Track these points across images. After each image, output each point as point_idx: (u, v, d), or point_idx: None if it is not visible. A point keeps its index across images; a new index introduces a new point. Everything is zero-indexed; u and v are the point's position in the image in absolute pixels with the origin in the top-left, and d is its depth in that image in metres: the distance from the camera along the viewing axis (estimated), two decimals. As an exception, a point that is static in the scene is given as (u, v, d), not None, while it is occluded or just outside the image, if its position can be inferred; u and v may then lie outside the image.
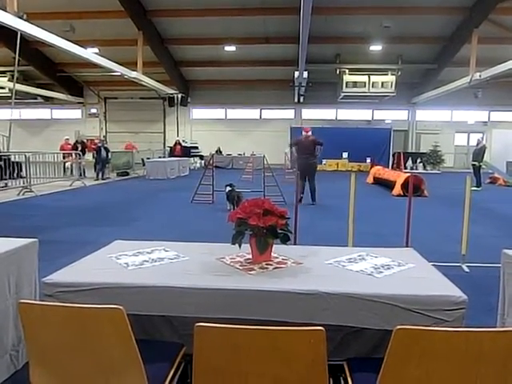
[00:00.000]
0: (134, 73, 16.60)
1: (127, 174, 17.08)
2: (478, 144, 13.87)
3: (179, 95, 22.01)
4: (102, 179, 15.09)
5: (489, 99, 21.27)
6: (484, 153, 13.56)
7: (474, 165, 13.48)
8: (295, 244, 4.55)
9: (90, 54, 14.17)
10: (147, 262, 2.34)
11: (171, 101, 21.93)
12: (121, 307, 1.47)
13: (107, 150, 15.59)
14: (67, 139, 16.99)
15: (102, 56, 14.83)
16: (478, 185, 12.89)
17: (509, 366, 1.37)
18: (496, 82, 18.01)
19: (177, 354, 1.84)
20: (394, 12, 15.41)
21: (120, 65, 15.64)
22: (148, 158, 18.03)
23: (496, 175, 15.17)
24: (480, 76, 15.47)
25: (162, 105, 23.75)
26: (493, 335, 1.33)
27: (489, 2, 14.27)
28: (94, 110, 24.86)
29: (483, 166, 13.68)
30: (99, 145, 15.59)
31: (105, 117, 24.80)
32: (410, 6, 14.91)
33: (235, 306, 1.94)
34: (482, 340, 1.32)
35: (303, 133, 10.53)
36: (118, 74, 16.41)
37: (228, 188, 8.68)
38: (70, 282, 2.02)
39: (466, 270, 4.86)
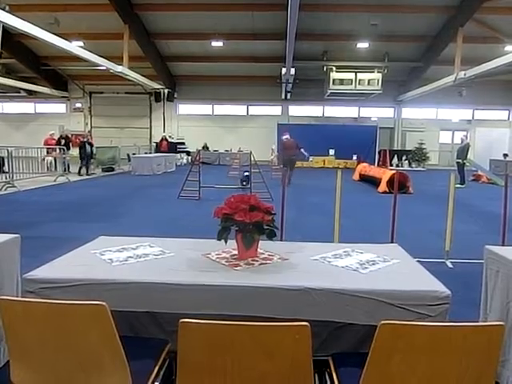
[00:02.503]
0: (120, 67, 16.39)
1: (112, 169, 16.91)
2: (462, 142, 14.07)
3: (166, 90, 21.81)
4: (87, 174, 14.91)
5: (473, 98, 21.57)
6: (468, 151, 13.75)
7: (458, 162, 13.66)
8: (282, 240, 4.56)
9: (75, 47, 13.95)
10: (132, 257, 2.32)
11: (157, 96, 21.73)
12: (104, 303, 1.45)
13: (91, 145, 15.40)
14: (52, 134, 16.72)
15: (87, 50, 14.60)
16: (462, 182, 13.07)
17: (491, 358, 1.39)
18: (480, 80, 18.29)
19: (161, 351, 1.82)
20: (382, 10, 15.48)
21: (105, 59, 15.42)
22: (134, 154, 17.86)
23: (479, 173, 15.39)
24: (465, 75, 15.66)
25: (149, 100, 23.53)
26: (475, 329, 1.35)
27: (474, 2, 14.42)
28: (78, 105, 24.50)
29: (467, 164, 13.86)
30: (83, 140, 15.38)
31: (90, 111, 24.46)
32: (398, 4, 14.99)
33: (221, 302, 1.93)
34: (465, 334, 1.33)
35: (283, 137, 13.72)
36: (104, 68, 16.19)
37: (246, 173, 11.03)
38: (53, 278, 1.98)
39: (450, 265, 4.93)
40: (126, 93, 23.11)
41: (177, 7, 15.92)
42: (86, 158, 15.08)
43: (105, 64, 15.53)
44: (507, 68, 15.71)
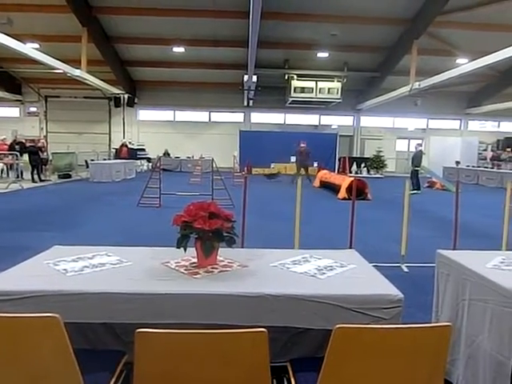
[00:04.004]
0: (78, 71, 15.95)
1: (69, 176, 16.38)
2: (416, 149, 14.61)
3: (126, 95, 21.42)
4: (40, 181, 14.36)
5: (427, 108, 22.52)
6: (421, 157, 14.29)
7: (414, 170, 14.05)
8: (243, 247, 4.56)
9: (29, 49, 13.44)
10: (87, 267, 2.25)
11: (117, 101, 21.31)
12: (56, 315, 1.40)
13: (41, 151, 14.84)
14: (4, 139, 16.01)
15: (42, 52, 14.12)
16: (418, 188, 13.53)
17: (440, 357, 1.46)
18: (434, 91, 19.15)
19: (118, 363, 1.78)
20: (341, 21, 15.90)
21: (63, 62, 14.96)
22: (92, 160, 17.38)
23: (433, 179, 16.04)
24: (419, 85, 16.34)
25: (108, 105, 22.99)
26: (425, 330, 1.41)
27: (428, 16, 15.10)
28: (33, 109, 23.57)
29: (421, 171, 14.39)
30: (30, 145, 14.80)
31: (45, 116, 23.58)
32: (356, 15, 15.45)
33: (180, 310, 1.91)
34: (416, 335, 1.39)
35: (301, 145, 16.85)
36: (61, 71, 15.70)
37: None
38: (3, 290, 1.90)
39: (406, 269, 5.10)
40: (84, 97, 22.47)
41: (137, 11, 15.71)
42: (37, 164, 14.52)
43: (61, 67, 15.06)
44: (458, 80, 16.57)
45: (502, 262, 2.48)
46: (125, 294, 1.91)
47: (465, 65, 14.26)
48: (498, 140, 24.09)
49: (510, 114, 22.49)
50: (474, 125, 24.84)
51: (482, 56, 12.37)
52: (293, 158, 21.51)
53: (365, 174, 21.38)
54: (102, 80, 18.65)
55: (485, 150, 23.01)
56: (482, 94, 22.39)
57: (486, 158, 21.82)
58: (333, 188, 13.09)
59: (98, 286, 1.95)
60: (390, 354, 1.40)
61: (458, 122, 24.79)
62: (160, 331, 1.33)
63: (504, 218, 5.12)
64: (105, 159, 19.12)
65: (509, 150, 21.20)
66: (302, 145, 16.78)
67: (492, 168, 19.48)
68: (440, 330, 1.41)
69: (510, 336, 1.99)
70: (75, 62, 15.96)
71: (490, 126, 24.95)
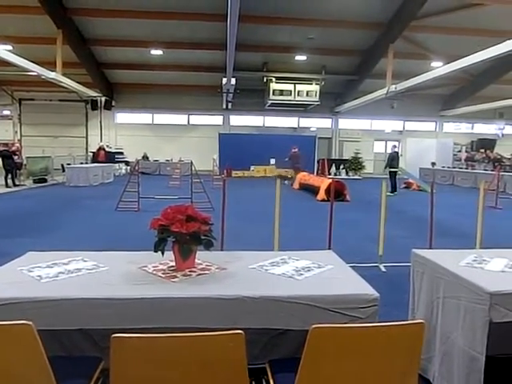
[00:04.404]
0: (53, 73, 15.64)
1: (45, 180, 16.04)
2: (392, 151, 14.83)
3: (103, 98, 21.14)
4: (14, 186, 14.02)
5: (404, 110, 22.92)
6: (398, 159, 14.51)
7: (390, 171, 14.26)
8: (222, 250, 4.55)
9: (2, 51, 13.11)
10: (63, 273, 2.21)
11: (94, 104, 21.01)
12: (29, 323, 1.38)
13: (15, 155, 14.51)
14: (-25, 143, 15.59)
15: (16, 54, 13.80)
16: (393, 190, 13.71)
17: (414, 354, 1.49)
18: (410, 94, 19.52)
19: (94, 369, 1.76)
20: (318, 24, 16.07)
21: (37, 64, 14.66)
22: (68, 164, 17.07)
23: (410, 180, 16.33)
24: (395, 88, 16.63)
25: (84, 108, 22.62)
26: (399, 328, 1.44)
27: (403, 20, 15.40)
28: (6, 112, 23.00)
29: (399, 172, 14.59)
30: (2, 149, 14.44)
31: (19, 119, 23.05)
32: (333, 19, 15.63)
33: (157, 314, 1.90)
34: (390, 333, 1.41)
35: (292, 150, 17.24)
36: (35, 73, 15.38)
37: None
38: (-27, 298, 1.85)
39: (383, 269, 5.18)
40: (59, 100, 22.04)
41: (114, 14, 15.53)
42: (11, 168, 14.19)
43: (36, 69, 14.76)
44: (434, 83, 16.95)
45: (474, 260, 2.54)
46: (101, 299, 1.89)
47: (439, 68, 14.58)
48: (472, 141, 24.75)
49: (483, 116, 23.12)
50: (449, 127, 25.42)
51: (456, 60, 12.68)
52: (272, 161, 21.80)
53: (343, 175, 21.61)
54: (78, 82, 18.35)
55: (459, 151, 23.55)
56: (456, 96, 22.94)
57: (460, 159, 22.33)
58: (312, 190, 13.18)
59: (73, 292, 1.92)
60: (365, 352, 1.43)
61: (434, 123, 25.33)
62: (136, 336, 1.32)
63: (477, 217, 5.26)
64: (82, 163, 18.81)
65: (482, 151, 21.78)
66: (294, 149, 17.39)
67: (466, 169, 19.95)
68: (413, 328, 1.45)
69: (482, 332, 2.04)
70: (50, 65, 15.66)
71: (464, 127, 25.58)
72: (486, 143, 23.45)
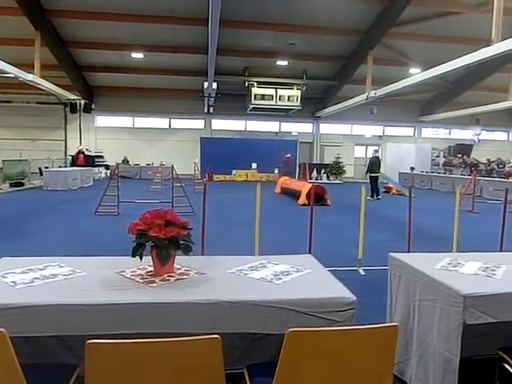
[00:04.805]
0: (31, 75, 15.36)
1: (22, 184, 15.71)
2: (372, 155, 15.01)
3: (82, 101, 20.84)
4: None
5: (383, 115, 23.29)
6: (379, 164, 14.70)
7: (371, 176, 14.39)
8: (203, 254, 4.54)
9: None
10: (38, 279, 2.17)
11: (73, 107, 20.68)
12: (2, 329, 1.35)
13: None
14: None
15: (-8, 55, 13.52)
16: (373, 195, 13.88)
17: (389, 355, 1.51)
18: (389, 99, 19.84)
19: (70, 376, 1.73)
20: (299, 30, 16.22)
21: (14, 66, 14.37)
22: (46, 168, 16.76)
23: (390, 185, 16.56)
24: (375, 94, 16.89)
25: (63, 111, 22.24)
26: (373, 331, 1.46)
27: (382, 27, 15.67)
28: (-18, 114, 22.47)
29: (380, 177, 14.77)
30: None
31: (-4, 122, 22.55)
32: (314, 25, 15.79)
33: (135, 320, 1.88)
34: (365, 336, 1.43)
35: (285, 156, 19.22)
36: (12, 75, 15.07)
37: None
38: None
39: (362, 273, 5.23)
40: (37, 103, 21.66)
41: (94, 16, 15.35)
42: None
43: (13, 71, 14.46)
44: (412, 89, 17.27)
45: (449, 264, 2.60)
46: (77, 305, 1.86)
47: (417, 74, 14.88)
48: (450, 146, 25.27)
49: (460, 121, 23.65)
50: (427, 132, 25.92)
51: (433, 66, 12.96)
52: (254, 165, 21.89)
53: (324, 179, 21.79)
54: (56, 85, 18.06)
55: (437, 156, 24.03)
56: (434, 102, 23.43)
57: (438, 164, 22.79)
58: (293, 194, 13.25)
59: (48, 298, 1.89)
60: (341, 355, 1.44)
61: (412, 129, 25.79)
62: (111, 342, 1.31)
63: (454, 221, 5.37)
64: (60, 166, 18.50)
65: (459, 156, 22.27)
66: (287, 156, 18.95)
67: (444, 173, 20.36)
68: (387, 330, 1.47)
69: (457, 334, 2.08)
70: (28, 67, 15.38)
71: (442, 133, 26.12)
72: (463, 148, 23.99)
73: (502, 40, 9.71)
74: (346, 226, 8.48)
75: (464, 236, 5.71)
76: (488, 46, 10.12)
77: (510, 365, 2.01)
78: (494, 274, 2.38)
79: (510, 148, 25.82)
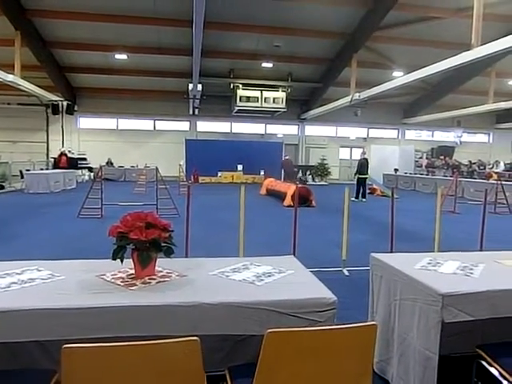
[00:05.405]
0: (11, 76, 15.09)
1: (2, 187, 15.42)
2: (360, 157, 15.03)
3: (64, 102, 20.58)
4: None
5: (367, 117, 23.49)
6: (367, 165, 14.77)
7: (359, 178, 14.41)
8: (187, 257, 4.52)
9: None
10: (16, 283, 2.13)
11: (55, 108, 20.39)
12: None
13: None
14: None
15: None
16: (358, 196, 14.00)
17: (368, 354, 1.52)
18: (373, 102, 20.06)
19: (48, 383, 1.70)
20: (284, 32, 16.29)
21: (-6, 66, 14.15)
22: (28, 170, 16.48)
23: (374, 186, 16.72)
24: (359, 96, 17.06)
25: (45, 112, 21.89)
26: (352, 330, 1.47)
27: (366, 31, 15.84)
28: (-39, 116, 22.01)
29: (368, 179, 14.86)
30: None
31: (-25, 123, 22.11)
32: (298, 28, 15.88)
33: (115, 324, 1.86)
34: (344, 335, 1.44)
35: (283, 158, 20.02)
36: (-8, 76, 14.81)
37: None
38: None
39: (347, 273, 5.27)
40: (18, 104, 21.30)
41: (76, 16, 15.17)
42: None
43: (-7, 72, 14.23)
44: (395, 92, 17.48)
45: (429, 263, 2.64)
46: (56, 309, 1.83)
47: (400, 77, 15.08)
48: (432, 148, 25.69)
49: (443, 124, 24.06)
50: (411, 134, 26.28)
51: (416, 70, 13.15)
52: (240, 167, 21.90)
53: (310, 181, 21.89)
54: (38, 86, 17.79)
55: (420, 157, 24.39)
56: (417, 105, 23.77)
57: (421, 166, 23.12)
58: (279, 195, 13.28)
59: (26, 303, 1.86)
60: (321, 354, 1.45)
61: (396, 131, 26.12)
62: (88, 346, 1.29)
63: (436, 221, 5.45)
64: (42, 169, 18.22)
65: (442, 157, 22.64)
66: (286, 157, 19.43)
67: (427, 175, 20.67)
68: (366, 329, 1.48)
69: (436, 332, 2.11)
70: (8, 67, 15.12)
71: (424, 135, 26.53)
72: (445, 150, 24.40)
73: (482, 45, 9.91)
74: (330, 227, 8.53)
75: (445, 236, 5.80)
76: (468, 50, 10.32)
77: (487, 362, 2.04)
78: (471, 273, 2.43)
79: (490, 150, 26.33)
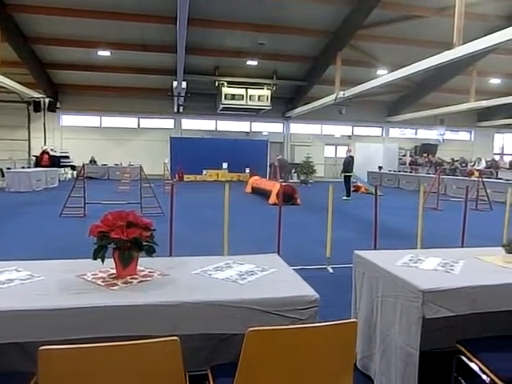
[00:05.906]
0: (-10, 72, 14.82)
1: (-18, 186, 15.13)
2: (346, 155, 15.07)
3: (46, 100, 20.23)
4: None
5: (352, 115, 23.65)
6: (353, 163, 14.83)
7: (346, 175, 14.47)
8: (171, 256, 4.48)
9: None
10: (-7, 284, 2.09)
11: (37, 105, 20.04)
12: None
13: None
14: None
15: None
16: (348, 194, 14.06)
17: (349, 351, 1.53)
18: (357, 100, 20.21)
19: (26, 385, 1.67)
20: (268, 30, 16.28)
21: (-27, 63, 13.84)
22: (8, 168, 16.18)
23: (359, 184, 16.85)
24: (344, 94, 17.15)
25: (26, 110, 21.47)
26: (333, 328, 1.47)
27: (350, 29, 15.92)
28: None
29: (353, 176, 14.92)
30: None
31: (-47, 121, 21.58)
32: (282, 25, 15.90)
33: (96, 324, 1.83)
34: (325, 333, 1.45)
35: (276, 157, 19.57)
36: (-29, 73, 14.49)
37: None
38: None
39: (331, 271, 5.30)
40: (-2, 101, 20.88)
41: (58, 11, 14.90)
42: None
43: (-29, 68, 13.91)
44: (379, 90, 17.64)
45: (410, 260, 2.66)
46: (35, 310, 1.80)
47: (384, 76, 15.21)
48: (416, 146, 26.00)
49: (426, 122, 24.36)
50: (395, 132, 26.55)
51: (399, 68, 13.27)
52: (225, 165, 21.86)
53: (295, 179, 21.93)
54: (19, 83, 17.42)
55: (404, 155, 24.66)
56: (401, 103, 24.01)
57: (405, 163, 23.38)
58: (264, 193, 13.30)
59: (4, 304, 1.82)
60: (302, 352, 1.45)
61: (380, 129, 26.36)
62: (65, 347, 1.27)
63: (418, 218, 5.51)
64: (23, 167, 17.89)
65: (425, 155, 22.92)
66: (278, 156, 19.39)
67: (411, 172, 20.90)
68: (347, 327, 1.49)
69: (417, 328, 2.14)
70: (-12, 63, 14.81)
71: (408, 133, 26.83)
72: (429, 148, 24.73)
73: (463, 44, 10.05)
74: (315, 224, 8.57)
75: (428, 233, 5.88)
76: (450, 49, 10.45)
77: (467, 357, 2.08)
78: (452, 270, 2.46)
79: (472, 148, 26.77)
